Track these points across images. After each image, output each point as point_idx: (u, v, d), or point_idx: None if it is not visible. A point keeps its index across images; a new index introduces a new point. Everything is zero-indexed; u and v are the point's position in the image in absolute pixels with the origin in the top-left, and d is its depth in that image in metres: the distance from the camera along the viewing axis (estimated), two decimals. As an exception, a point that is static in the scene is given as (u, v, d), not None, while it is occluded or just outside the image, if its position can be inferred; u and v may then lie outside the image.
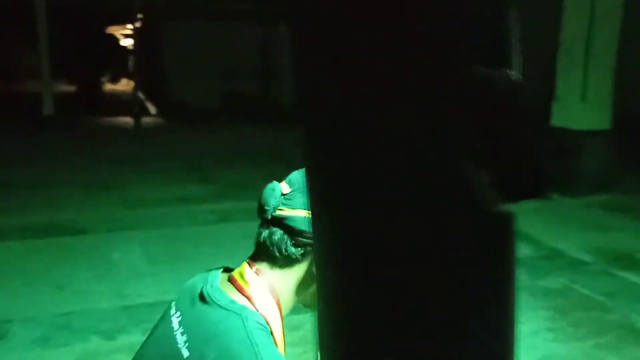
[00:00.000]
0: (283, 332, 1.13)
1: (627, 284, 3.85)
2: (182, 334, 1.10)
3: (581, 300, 3.59)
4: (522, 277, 3.93)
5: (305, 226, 1.09)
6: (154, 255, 4.23)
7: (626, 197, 6.00)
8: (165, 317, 1.18)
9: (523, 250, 4.45)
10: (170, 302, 1.20)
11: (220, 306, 1.08)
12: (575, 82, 5.96)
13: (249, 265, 1.15)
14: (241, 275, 1.14)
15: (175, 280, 3.76)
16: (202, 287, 1.13)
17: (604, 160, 6.08)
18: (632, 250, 4.46)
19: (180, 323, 1.12)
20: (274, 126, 9.75)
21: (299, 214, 1.10)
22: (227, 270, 1.20)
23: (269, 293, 1.12)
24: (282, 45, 12.03)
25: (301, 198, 1.11)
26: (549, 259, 4.28)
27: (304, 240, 1.10)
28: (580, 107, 6.00)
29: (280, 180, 1.16)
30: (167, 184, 6.26)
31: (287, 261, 1.12)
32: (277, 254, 1.12)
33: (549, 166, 6.33)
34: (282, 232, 1.11)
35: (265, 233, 1.13)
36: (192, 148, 8.49)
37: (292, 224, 1.10)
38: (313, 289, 1.13)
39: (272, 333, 1.08)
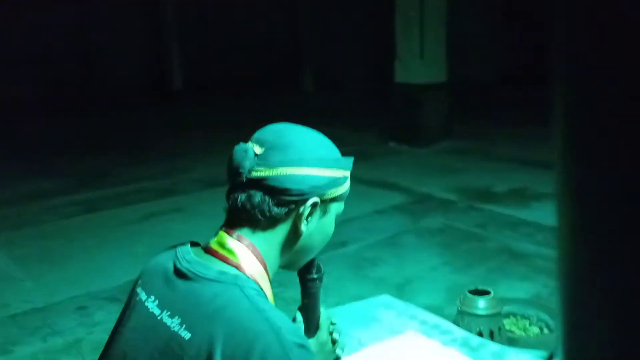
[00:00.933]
0: (272, 296, 1.10)
1: (493, 214, 4.32)
2: (170, 317, 1.02)
3: (461, 234, 3.95)
4: (405, 222, 4.22)
5: (287, 184, 1.05)
6: (22, 257, 3.78)
7: (463, 142, 6.66)
8: (135, 305, 1.09)
9: (398, 198, 4.76)
10: (131, 291, 1.13)
11: (209, 279, 1.02)
12: (413, 41, 6.41)
13: (228, 233, 1.09)
14: (221, 245, 1.08)
15: (60, 279, 3.43)
16: (176, 265, 1.07)
17: (442, 111, 6.67)
18: (486, 186, 4.99)
19: (160, 307, 1.05)
20: (99, 111, 9.16)
21: (279, 172, 1.06)
22: (194, 244, 1.13)
23: (255, 258, 1.08)
24: (103, 23, 11.16)
25: (277, 156, 1.06)
26: (422, 203, 4.63)
27: (287, 198, 1.06)
28: (419, 63, 6.48)
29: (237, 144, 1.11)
30: (12, 180, 5.57)
31: (270, 223, 1.08)
32: (260, 216, 1.07)
33: (396, 120, 6.80)
34: (261, 193, 1.06)
35: (242, 197, 1.07)
36: (25, 142, 7.58)
37: (272, 183, 1.05)
38: (298, 246, 1.12)
39: (267, 298, 1.06)
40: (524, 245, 3.72)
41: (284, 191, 1.06)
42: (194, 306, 1.01)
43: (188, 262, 1.06)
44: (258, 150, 1.08)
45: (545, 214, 4.16)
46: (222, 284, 1.01)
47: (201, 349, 0.95)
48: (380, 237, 3.87)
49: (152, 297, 1.07)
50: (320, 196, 1.08)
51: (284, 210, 1.07)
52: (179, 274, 1.05)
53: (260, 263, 1.08)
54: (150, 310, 1.05)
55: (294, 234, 1.10)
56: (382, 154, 6.34)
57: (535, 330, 2.44)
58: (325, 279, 1.24)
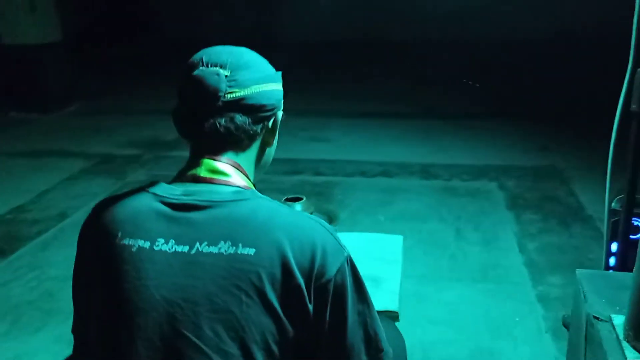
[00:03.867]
0: None
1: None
2: (210, 245, 1.01)
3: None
4: (112, 181, 4.07)
5: (262, 100, 1.11)
6: None
7: (99, 102, 6.45)
8: (136, 255, 1.02)
9: (81, 163, 4.46)
10: (108, 246, 1.04)
11: (230, 201, 1.05)
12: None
13: (214, 159, 1.10)
14: (213, 171, 1.10)
15: None
16: (168, 202, 1.05)
17: (64, 71, 6.24)
18: (154, 137, 5.12)
19: (183, 242, 1.01)
20: None
21: (253, 90, 1.10)
22: (153, 183, 1.11)
23: (245, 177, 1.14)
24: None
25: (245, 75, 1.10)
26: (110, 162, 4.47)
27: (262, 115, 1.12)
28: (30, 21, 5.85)
29: None
30: None
31: (249, 141, 1.13)
32: (243, 136, 1.11)
33: (15, 87, 6.03)
34: (240, 114, 1.09)
35: (222, 121, 1.08)
36: None
37: (249, 102, 1.09)
38: (263, 160, 1.20)
39: None
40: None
41: (260, 108, 1.11)
42: (240, 225, 1.02)
43: (187, 195, 1.05)
44: (227, 72, 1.08)
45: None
46: (247, 201, 1.05)
47: (273, 257, 0.99)
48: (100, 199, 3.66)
49: (161, 240, 1.03)
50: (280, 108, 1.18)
51: (259, 127, 1.12)
52: (184, 207, 1.04)
53: (249, 181, 1.14)
54: (171, 250, 1.02)
55: (262, 149, 1.18)
56: (13, 124, 5.60)
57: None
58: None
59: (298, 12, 10.52)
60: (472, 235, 3.07)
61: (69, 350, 2.17)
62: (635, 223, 2.02)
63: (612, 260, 2.12)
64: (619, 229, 1.92)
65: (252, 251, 0.99)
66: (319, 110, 5.93)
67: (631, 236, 2.03)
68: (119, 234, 1.05)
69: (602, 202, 3.50)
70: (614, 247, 2.11)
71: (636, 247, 1.93)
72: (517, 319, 2.34)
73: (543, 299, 2.49)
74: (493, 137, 4.80)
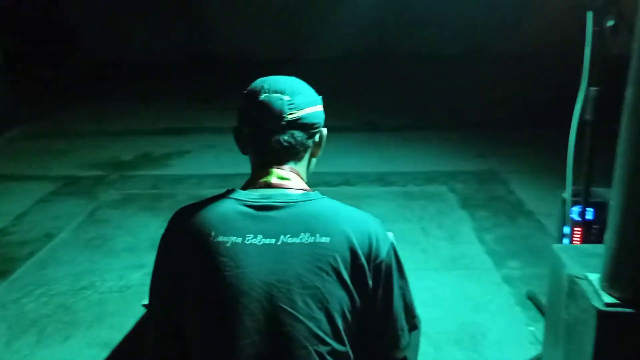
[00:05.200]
0: None
1: (153, 177, 4.72)
2: (293, 236, 1.26)
3: (150, 198, 4.25)
4: (84, 202, 4.18)
5: (314, 120, 1.37)
6: None
7: (38, 125, 6.42)
8: (231, 249, 1.26)
9: (48, 187, 4.52)
10: (204, 244, 1.27)
11: (302, 201, 1.31)
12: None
13: (280, 168, 1.36)
14: (282, 177, 1.35)
15: None
16: (248, 204, 1.29)
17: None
18: (113, 157, 5.24)
19: (270, 236, 1.26)
20: None
21: (306, 112, 1.37)
22: (231, 191, 1.35)
23: (304, 182, 1.39)
24: None
25: (300, 99, 1.36)
26: (77, 184, 4.56)
27: (313, 131, 1.38)
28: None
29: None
30: None
31: (304, 153, 1.39)
32: (300, 149, 1.37)
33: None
34: (299, 130, 1.35)
35: (285, 137, 1.34)
36: None
37: (305, 121, 1.36)
38: (310, 168, 1.46)
39: None
40: (203, 191, 4.36)
41: (312, 125, 1.38)
42: (314, 219, 1.28)
43: (264, 198, 1.30)
44: (286, 97, 1.34)
45: (183, 167, 4.90)
46: (314, 200, 1.32)
47: (343, 243, 1.27)
48: (82, 218, 3.79)
49: (250, 235, 1.27)
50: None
51: (311, 141, 1.39)
52: (264, 208, 1.29)
53: (305, 184, 1.40)
54: (260, 243, 1.26)
55: (310, 159, 1.43)
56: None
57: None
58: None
59: (229, 28, 10.68)
60: (437, 232, 3.51)
61: (103, 354, 2.38)
62: (584, 209, 2.51)
63: (565, 240, 2.60)
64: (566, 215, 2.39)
65: (327, 240, 1.26)
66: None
67: (582, 219, 2.52)
68: (212, 233, 1.28)
69: (538, 198, 4.05)
70: (567, 229, 2.59)
71: (587, 229, 2.43)
72: (490, 297, 2.78)
73: (507, 279, 2.95)
74: (434, 146, 5.31)
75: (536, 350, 2.34)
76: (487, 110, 6.24)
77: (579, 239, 2.53)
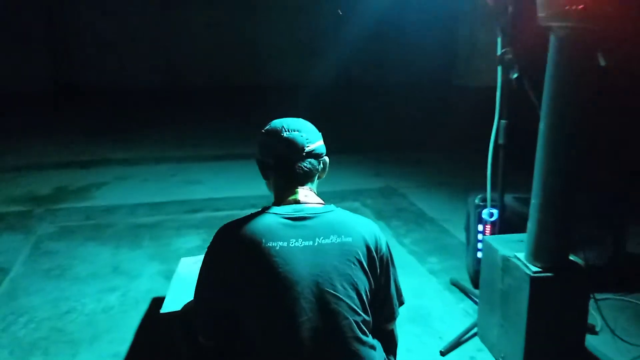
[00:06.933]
0: None
1: (77, 209, 4.84)
2: (325, 238, 1.73)
3: (89, 229, 4.41)
4: (20, 237, 4.25)
5: (322, 150, 1.88)
6: None
7: None
8: (280, 253, 1.69)
9: None
10: (257, 250, 1.69)
11: (325, 212, 1.78)
12: None
13: (303, 188, 1.84)
14: (306, 196, 1.84)
15: None
16: (287, 217, 1.76)
17: None
18: (29, 192, 5.24)
19: (308, 239, 1.72)
20: None
21: (317, 145, 1.87)
22: (267, 207, 1.85)
23: (318, 197, 1.89)
24: None
25: (311, 136, 1.86)
26: (3, 220, 4.56)
27: (322, 159, 1.88)
28: None
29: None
30: None
31: (315, 176, 1.88)
32: (315, 173, 1.87)
33: None
34: (313, 159, 1.85)
35: (306, 165, 1.83)
36: None
37: (318, 152, 1.86)
38: (318, 185, 1.95)
39: None
40: (140, 219, 4.61)
41: (320, 155, 1.88)
42: (337, 225, 1.76)
43: (298, 211, 1.75)
44: (303, 134, 1.87)
45: (107, 198, 5.09)
46: (334, 211, 1.80)
47: (360, 241, 1.76)
48: (28, 251, 3.89)
49: (293, 240, 1.71)
50: None
51: (320, 167, 1.91)
52: (299, 219, 1.74)
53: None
54: (302, 245, 1.70)
55: (317, 181, 1.94)
56: None
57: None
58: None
59: (97, 58, 10.59)
60: (364, 240, 4.14)
61: (119, 363, 2.67)
62: (493, 211, 3.29)
63: (479, 236, 3.37)
64: (480, 216, 3.16)
65: (350, 239, 1.75)
66: (168, 157, 6.53)
67: (490, 219, 3.30)
68: (263, 240, 1.69)
69: (435, 208, 4.86)
70: (480, 227, 3.36)
71: (493, 225, 3.20)
72: (423, 286, 3.47)
73: (432, 272, 3.67)
74: (335, 169, 5.99)
75: (470, 320, 3.05)
76: (371, 136, 7.10)
77: (488, 232, 3.32)
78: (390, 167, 6.07)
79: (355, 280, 1.77)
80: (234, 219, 1.84)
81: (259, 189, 5.54)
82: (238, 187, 5.38)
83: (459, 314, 3.18)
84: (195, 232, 4.28)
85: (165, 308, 2.68)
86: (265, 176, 1.96)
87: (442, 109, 8.33)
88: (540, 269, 2.44)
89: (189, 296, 2.52)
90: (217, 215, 4.67)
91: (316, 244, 1.74)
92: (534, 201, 2.46)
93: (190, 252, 3.79)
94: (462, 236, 3.93)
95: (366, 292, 1.81)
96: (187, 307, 2.20)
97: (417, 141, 6.96)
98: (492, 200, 3.15)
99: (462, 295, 3.36)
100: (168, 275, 3.54)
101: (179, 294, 2.80)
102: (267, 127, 1.94)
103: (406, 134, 7.26)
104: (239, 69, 10.87)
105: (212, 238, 1.79)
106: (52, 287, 3.43)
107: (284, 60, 10.89)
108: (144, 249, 3.99)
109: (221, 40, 10.96)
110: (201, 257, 3.08)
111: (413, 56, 10.76)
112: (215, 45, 10.95)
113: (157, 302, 3.20)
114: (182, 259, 3.26)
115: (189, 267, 3.10)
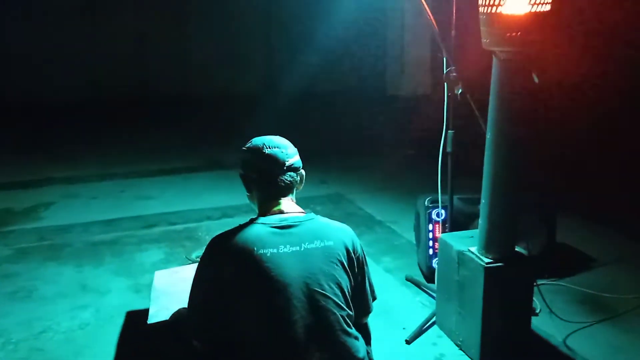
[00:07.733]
0: None
1: (30, 229, 4.80)
2: (310, 243, 1.97)
3: (77, 250, 4.40)
4: None
5: (300, 164, 2.13)
6: None
7: None
8: (272, 258, 1.91)
9: None
10: (250, 258, 1.91)
11: (306, 220, 2.01)
12: None
13: (285, 199, 2.10)
14: (288, 206, 2.09)
15: None
16: (274, 226, 1.99)
17: None
18: None
19: (295, 244, 1.95)
20: None
21: (295, 159, 2.12)
22: (254, 219, 2.12)
23: (298, 207, 2.14)
24: None
25: (290, 151, 2.11)
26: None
27: (300, 172, 2.14)
28: None
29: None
30: None
31: (294, 188, 2.14)
32: (295, 186, 2.14)
33: None
34: (293, 172, 2.10)
35: (287, 178, 2.08)
36: None
37: (296, 165, 2.11)
38: (296, 195, 2.23)
39: None
40: (96, 237, 4.64)
41: (298, 168, 2.13)
42: (320, 231, 2.01)
43: (283, 221, 1.98)
44: (283, 150, 2.12)
45: (57, 218, 5.09)
46: (314, 219, 2.04)
47: (341, 245, 2.02)
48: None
49: (281, 246, 1.93)
50: None
51: (298, 179, 2.15)
52: (286, 227, 1.97)
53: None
54: (290, 250, 1.93)
55: (295, 192, 2.18)
56: None
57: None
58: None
59: (16, 72, 10.24)
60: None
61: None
62: (439, 211, 3.62)
63: (430, 234, 3.70)
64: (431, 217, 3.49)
65: (331, 243, 2.00)
66: (112, 173, 6.52)
67: (439, 219, 3.63)
68: (255, 248, 1.91)
69: (381, 211, 5.18)
70: (430, 227, 3.70)
71: (442, 224, 3.53)
72: (382, 283, 3.75)
73: (387, 270, 3.97)
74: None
75: (427, 311, 3.36)
76: (315, 144, 7.31)
77: (438, 231, 3.65)
78: (335, 174, 6.35)
79: (339, 279, 2.02)
80: (225, 231, 2.05)
81: (211, 201, 5.81)
82: (189, 201, 5.49)
83: (417, 306, 3.48)
84: (157, 246, 4.38)
85: (152, 319, 2.83)
86: (249, 189, 2.19)
87: (375, 116, 8.75)
88: (492, 260, 2.78)
89: (172, 305, 2.70)
90: (175, 229, 4.76)
91: (302, 249, 1.97)
92: (484, 201, 2.79)
93: (156, 266, 3.88)
94: (410, 236, 4.25)
95: (348, 289, 2.06)
96: (177, 315, 2.37)
97: (356, 149, 7.30)
98: (451, 202, 3.48)
99: (417, 289, 3.68)
100: (138, 289, 3.64)
101: (162, 304, 2.96)
102: (249, 144, 2.16)
103: (346, 142, 7.59)
104: (170, 81, 10.84)
105: (204, 249, 2.02)
106: (20, 309, 3.45)
107: (217, 70, 10.96)
108: (107, 265, 4.05)
109: (149, 51, 10.89)
110: (174, 269, 3.38)
111: (345, 66, 11.14)
112: (142, 57, 10.86)
113: (133, 315, 3.32)
114: (156, 272, 3.40)
115: (165, 279, 3.25)
